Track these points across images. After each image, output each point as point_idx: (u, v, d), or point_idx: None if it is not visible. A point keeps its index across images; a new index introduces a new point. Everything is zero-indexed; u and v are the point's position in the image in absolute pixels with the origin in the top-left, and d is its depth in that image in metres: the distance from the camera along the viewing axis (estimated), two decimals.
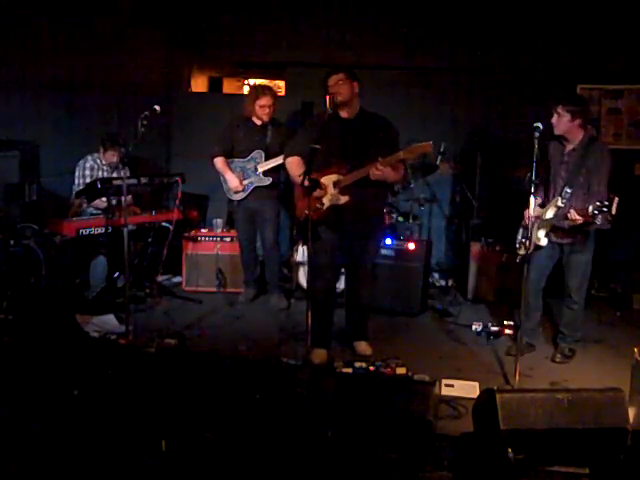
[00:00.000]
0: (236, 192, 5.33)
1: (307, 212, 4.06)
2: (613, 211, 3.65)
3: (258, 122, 5.26)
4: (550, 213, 4.14)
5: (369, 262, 4.37)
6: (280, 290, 5.61)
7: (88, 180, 5.29)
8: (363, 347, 4.39)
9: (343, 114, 4.10)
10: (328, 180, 4.02)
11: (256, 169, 5.27)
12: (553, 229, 4.15)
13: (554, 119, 4.16)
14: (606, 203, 3.64)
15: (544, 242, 4.17)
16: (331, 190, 4.01)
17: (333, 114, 4.04)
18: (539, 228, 4.18)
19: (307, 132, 4.18)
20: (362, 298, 4.38)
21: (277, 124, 5.29)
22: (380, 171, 3.87)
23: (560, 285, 4.41)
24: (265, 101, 5.15)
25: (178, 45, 7.16)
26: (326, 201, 4.03)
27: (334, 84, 3.99)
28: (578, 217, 3.82)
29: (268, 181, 5.22)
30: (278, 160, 5.04)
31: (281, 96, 7.27)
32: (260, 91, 5.23)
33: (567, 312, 4.39)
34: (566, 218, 3.94)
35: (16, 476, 2.86)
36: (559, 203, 4.09)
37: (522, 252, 4.21)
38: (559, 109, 4.13)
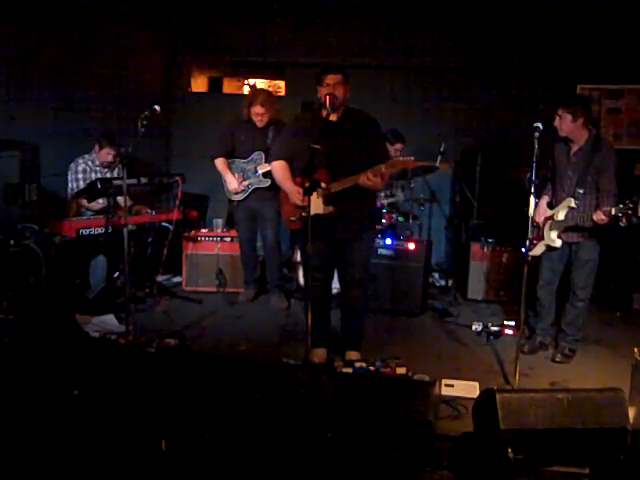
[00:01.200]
0: (236, 193, 5.33)
1: (292, 220, 4.05)
2: (639, 213, 3.67)
3: (259, 124, 5.25)
4: (562, 215, 4.15)
5: (360, 269, 4.15)
6: (280, 290, 5.61)
7: (81, 183, 5.30)
8: (352, 357, 4.19)
9: (329, 116, 3.95)
10: None
11: (256, 170, 5.27)
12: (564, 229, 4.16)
13: (556, 122, 4.17)
14: (631, 205, 3.67)
15: (558, 243, 4.19)
16: (315, 198, 3.81)
17: (318, 115, 3.97)
18: (551, 229, 4.19)
19: (290, 135, 4.12)
20: (356, 305, 4.23)
21: (279, 124, 5.26)
22: (371, 181, 3.75)
23: (564, 285, 4.42)
24: (257, 109, 5.13)
25: (178, 45, 7.17)
26: (310, 209, 3.74)
27: (333, 83, 3.88)
28: (604, 217, 3.84)
29: (267, 183, 5.20)
30: None
31: (281, 96, 7.29)
32: (253, 99, 5.19)
33: (571, 310, 4.39)
34: (590, 219, 3.96)
35: (16, 476, 2.86)
36: (572, 204, 4.09)
37: (535, 253, 4.21)
38: (559, 111, 4.14)
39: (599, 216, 3.89)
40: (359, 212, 4.04)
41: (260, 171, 5.24)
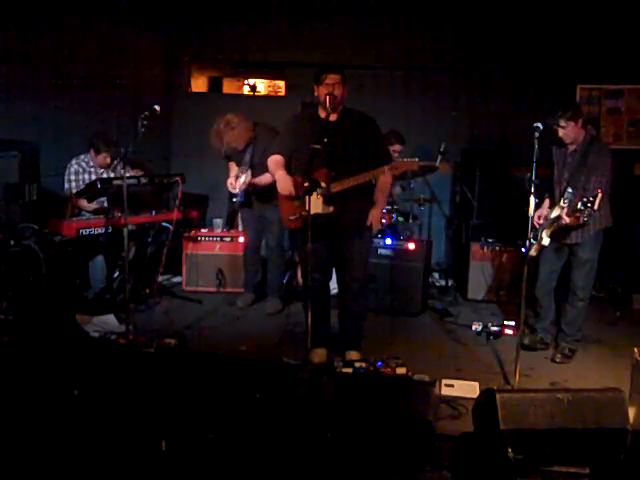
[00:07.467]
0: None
1: (291, 219, 4.02)
2: (595, 206, 3.69)
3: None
4: (554, 214, 4.15)
5: (358, 268, 4.14)
6: (278, 295, 5.47)
7: (74, 184, 5.32)
8: (352, 357, 4.18)
9: (328, 116, 3.93)
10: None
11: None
12: (558, 230, 4.16)
13: (560, 134, 4.14)
14: (591, 199, 3.68)
15: (546, 242, 4.18)
16: (314, 198, 3.78)
17: (316, 115, 3.97)
18: (544, 228, 4.20)
19: (288, 135, 4.11)
20: (355, 305, 4.21)
21: (260, 138, 5.14)
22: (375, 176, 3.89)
23: (564, 284, 4.42)
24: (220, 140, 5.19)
25: (178, 45, 7.17)
26: (311, 209, 3.75)
27: (333, 83, 3.85)
28: (572, 213, 3.84)
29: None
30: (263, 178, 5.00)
31: (281, 96, 7.30)
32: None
33: (570, 310, 4.40)
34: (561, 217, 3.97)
35: (17, 477, 2.86)
36: (562, 203, 4.09)
37: (531, 254, 4.21)
38: (562, 123, 4.11)
39: (567, 211, 3.88)
40: (358, 211, 4.04)
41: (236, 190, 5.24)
